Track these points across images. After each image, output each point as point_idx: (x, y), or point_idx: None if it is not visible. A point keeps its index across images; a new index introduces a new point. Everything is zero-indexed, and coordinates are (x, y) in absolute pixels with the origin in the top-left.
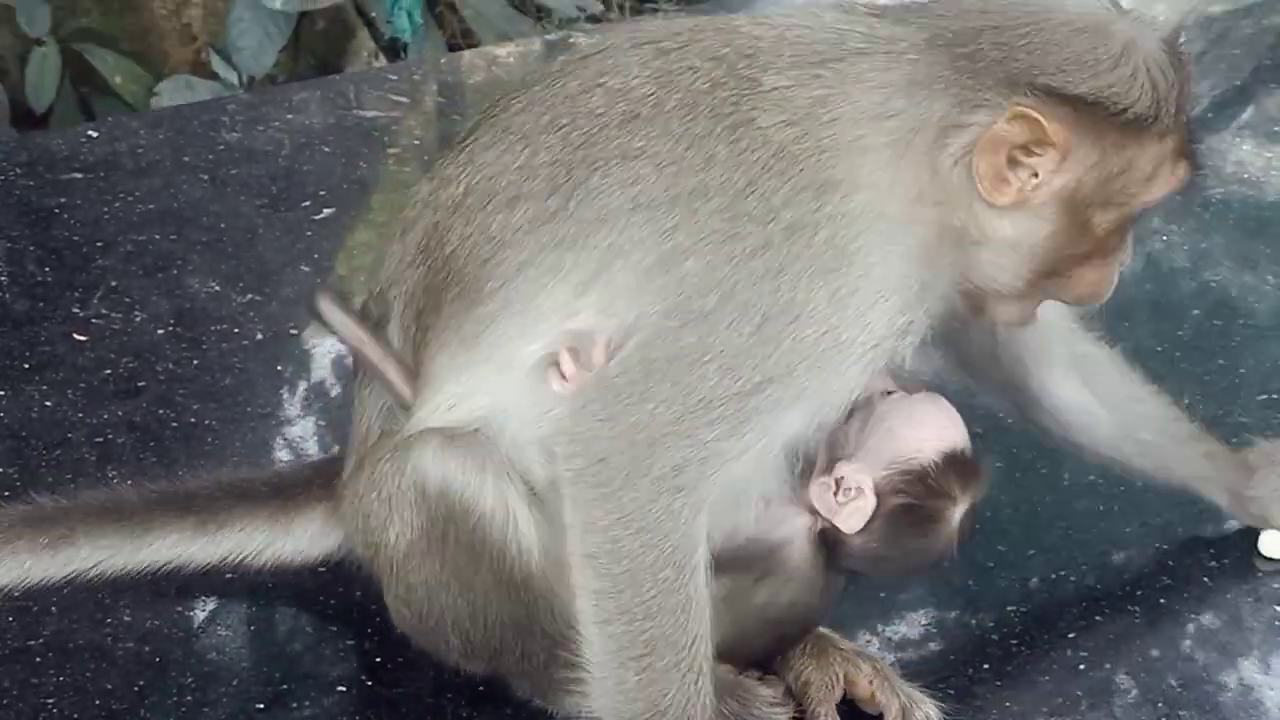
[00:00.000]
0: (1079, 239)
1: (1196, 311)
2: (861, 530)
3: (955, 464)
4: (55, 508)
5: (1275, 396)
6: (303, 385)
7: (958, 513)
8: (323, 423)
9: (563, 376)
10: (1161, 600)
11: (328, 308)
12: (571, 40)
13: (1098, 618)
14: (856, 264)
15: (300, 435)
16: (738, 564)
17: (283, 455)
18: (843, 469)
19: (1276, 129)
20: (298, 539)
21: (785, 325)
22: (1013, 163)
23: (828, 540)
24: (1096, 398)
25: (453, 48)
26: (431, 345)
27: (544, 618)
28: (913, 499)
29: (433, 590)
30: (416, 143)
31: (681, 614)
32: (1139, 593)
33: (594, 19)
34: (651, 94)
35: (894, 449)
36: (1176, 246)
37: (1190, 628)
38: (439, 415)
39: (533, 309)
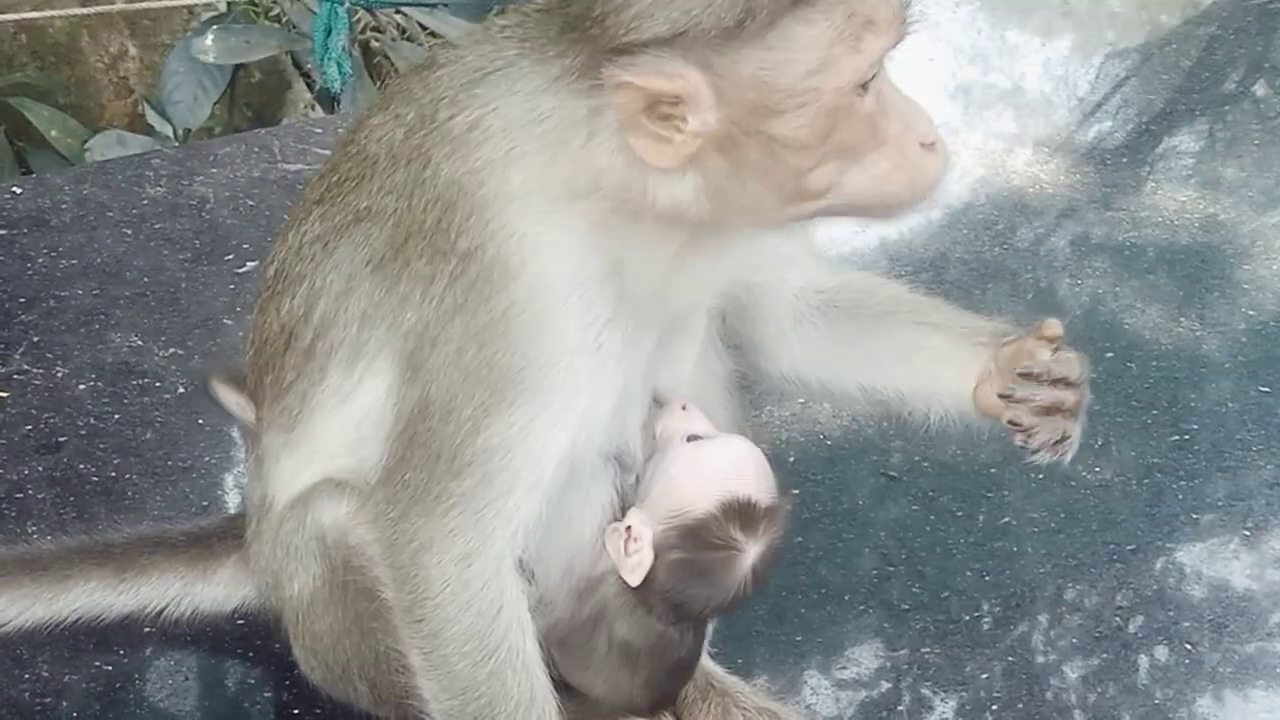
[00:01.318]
0: (789, 151)
1: (1110, 354)
2: (653, 580)
3: (737, 514)
4: None
5: (1187, 437)
6: (224, 439)
7: (746, 559)
8: (244, 476)
9: None
10: (1074, 640)
11: (222, 389)
12: None
13: (1010, 659)
14: (524, 274)
15: (221, 489)
16: (572, 608)
17: (204, 509)
18: (631, 517)
19: (1188, 173)
20: (214, 587)
21: (479, 353)
22: (661, 119)
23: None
24: (834, 330)
25: None
26: (266, 423)
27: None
28: (688, 554)
29: (338, 637)
30: None
31: (498, 680)
32: (1052, 633)
33: None
34: (375, 152)
35: (673, 500)
36: (1090, 289)
37: (1098, 664)
38: (298, 479)
39: (330, 386)
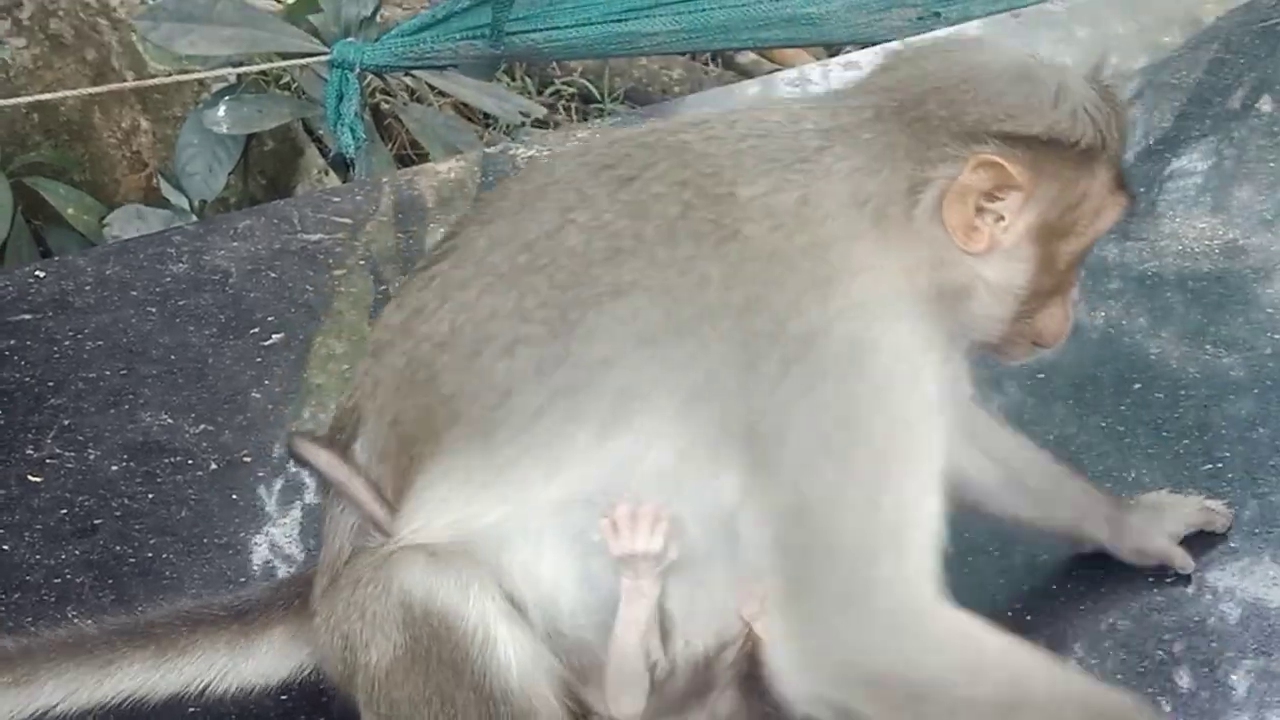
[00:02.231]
0: (1048, 274)
1: (1138, 385)
2: None
3: None
4: (16, 646)
5: (1220, 465)
6: (258, 514)
7: None
8: (279, 549)
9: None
10: (1119, 676)
11: (304, 446)
12: (511, 153)
13: None
14: (883, 345)
15: (257, 564)
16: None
17: (242, 585)
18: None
19: (1203, 197)
20: (259, 661)
21: (851, 434)
22: (979, 210)
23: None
24: (983, 453)
25: (402, 159)
26: (428, 471)
27: None
28: None
29: (416, 707)
30: (361, 263)
31: (1015, 686)
32: (1094, 668)
33: (540, 124)
34: (627, 226)
35: None
36: (1115, 321)
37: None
38: (434, 531)
39: (552, 457)
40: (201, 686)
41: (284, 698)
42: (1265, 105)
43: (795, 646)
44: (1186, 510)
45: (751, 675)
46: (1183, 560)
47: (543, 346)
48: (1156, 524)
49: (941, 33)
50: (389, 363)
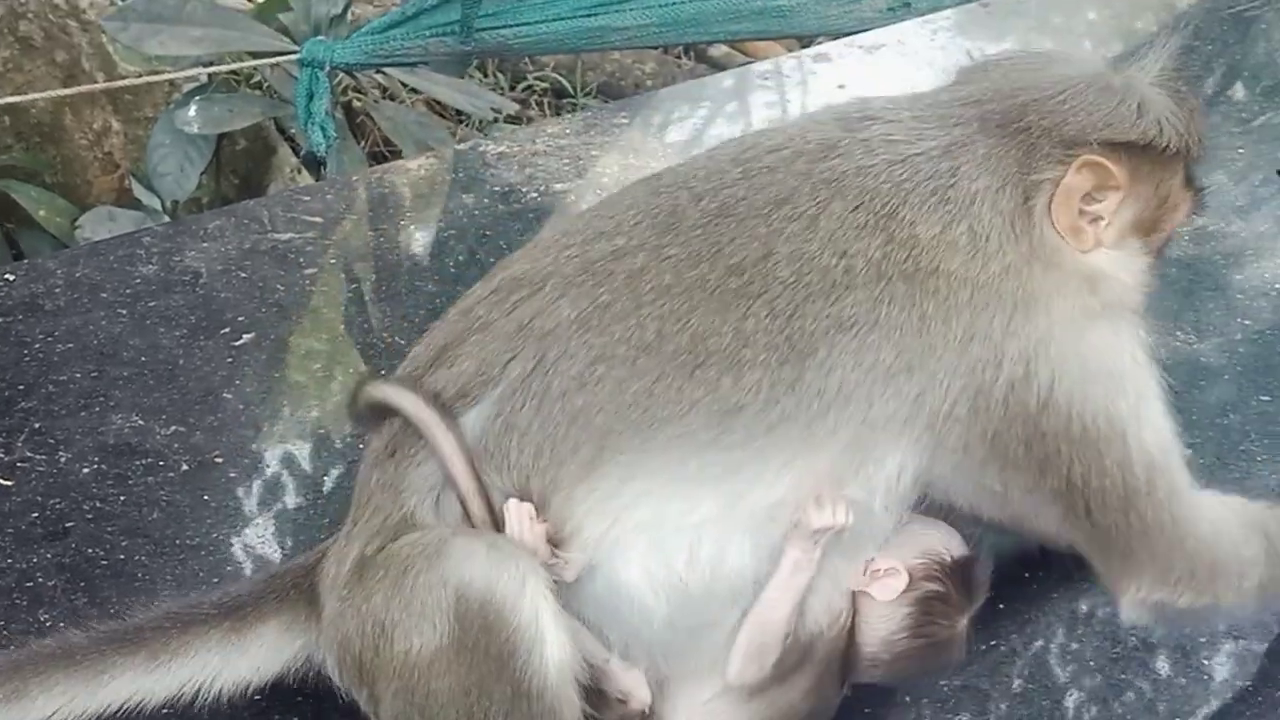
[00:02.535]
0: (1152, 240)
1: None
2: (892, 619)
3: (971, 569)
4: (4, 660)
5: (1190, 451)
6: (229, 514)
7: (967, 617)
8: (251, 550)
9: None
10: (1091, 661)
11: (381, 390)
12: (482, 149)
13: (1030, 685)
14: (1097, 343)
15: (230, 564)
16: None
17: (214, 586)
18: (877, 558)
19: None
20: (254, 656)
21: (1095, 423)
22: (1081, 212)
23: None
24: None
25: (375, 156)
26: (617, 463)
27: None
28: (944, 586)
29: (453, 697)
30: (332, 261)
31: None
32: (1068, 654)
33: (513, 119)
34: (836, 264)
35: (923, 544)
36: None
37: (1116, 684)
38: (624, 523)
39: (775, 470)
40: (196, 688)
41: (257, 698)
42: (1237, 93)
43: (1122, 585)
44: None
45: (843, 653)
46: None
47: (773, 371)
48: None
49: (1011, 50)
50: (564, 352)
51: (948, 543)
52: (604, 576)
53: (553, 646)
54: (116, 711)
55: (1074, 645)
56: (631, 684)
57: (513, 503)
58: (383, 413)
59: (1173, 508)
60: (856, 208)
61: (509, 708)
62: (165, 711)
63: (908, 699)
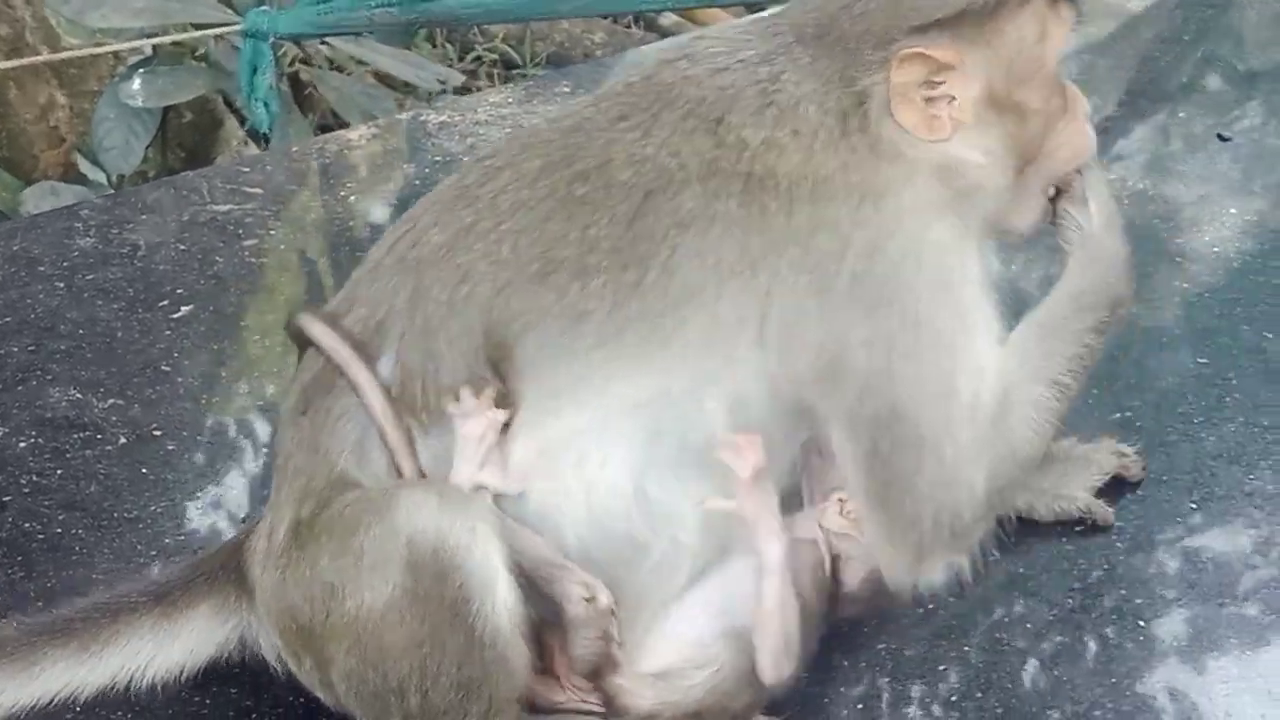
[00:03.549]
0: (1026, 119)
1: None
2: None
3: None
4: None
5: (1129, 414)
6: (168, 487)
7: None
8: (190, 523)
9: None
10: (1028, 625)
11: (311, 323)
12: (423, 119)
13: (966, 647)
14: (937, 243)
15: (167, 538)
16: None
17: (152, 559)
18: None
19: (1115, 149)
20: (186, 641)
21: (921, 330)
22: (928, 100)
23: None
24: None
25: (324, 128)
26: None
27: (494, 681)
28: None
29: (406, 649)
30: (272, 233)
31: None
32: (1006, 619)
33: (461, 90)
34: (670, 161)
35: None
36: (1026, 274)
37: (1054, 647)
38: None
39: (630, 372)
40: (129, 676)
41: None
42: (1178, 57)
43: (900, 544)
44: (1100, 458)
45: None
46: (1103, 514)
47: (617, 274)
48: (1072, 478)
49: None
50: (435, 278)
51: None
52: (520, 499)
53: (504, 592)
54: (49, 703)
55: (1003, 608)
56: (592, 579)
57: (466, 391)
58: (308, 344)
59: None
60: (686, 115)
61: (462, 658)
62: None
63: (863, 666)
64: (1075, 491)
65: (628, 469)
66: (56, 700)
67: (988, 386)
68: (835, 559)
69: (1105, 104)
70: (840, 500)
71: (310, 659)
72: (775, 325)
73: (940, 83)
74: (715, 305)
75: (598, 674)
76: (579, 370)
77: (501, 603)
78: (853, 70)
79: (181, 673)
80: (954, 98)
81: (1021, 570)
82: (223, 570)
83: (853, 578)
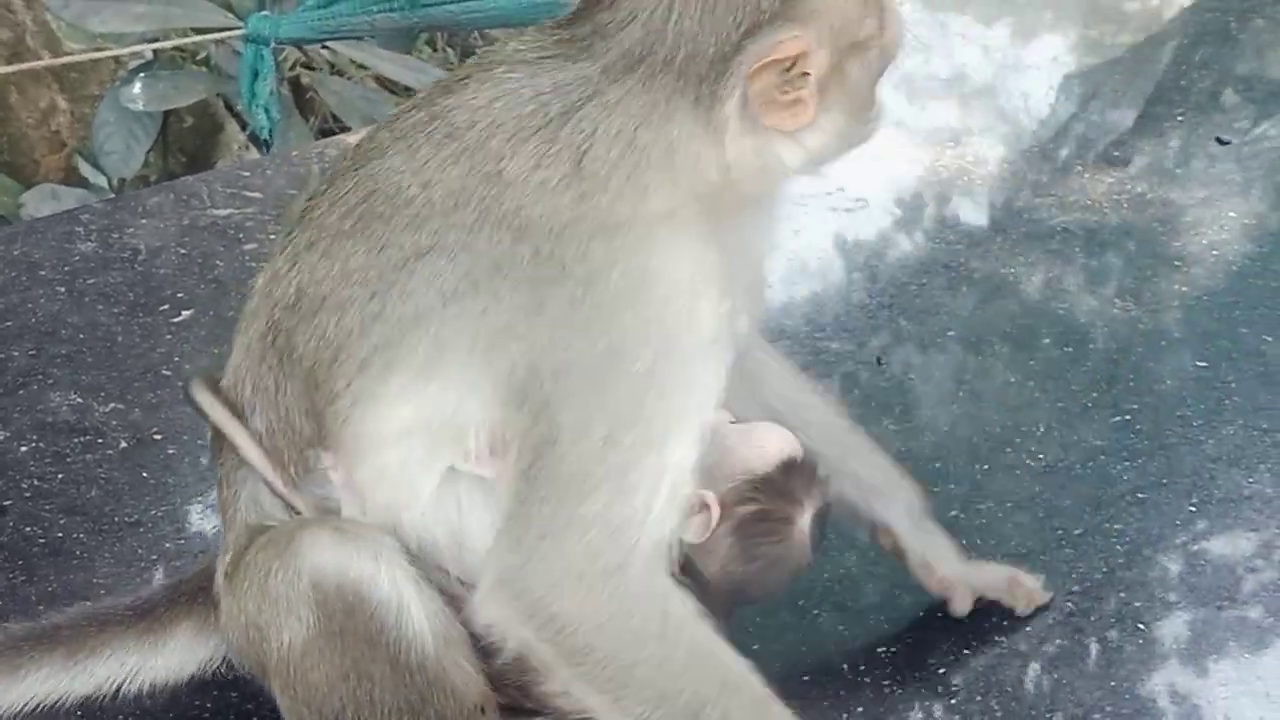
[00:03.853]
0: (866, 77)
1: (1047, 340)
2: (717, 552)
3: (796, 470)
4: None
5: (1128, 418)
6: (169, 491)
7: (806, 518)
8: (191, 527)
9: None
10: (1027, 628)
11: (202, 393)
12: None
13: (966, 651)
14: (661, 282)
15: (168, 542)
16: None
17: (153, 563)
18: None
19: (1117, 152)
20: (169, 656)
21: (615, 368)
22: (785, 93)
23: (690, 573)
24: (759, 405)
25: (325, 132)
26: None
27: (437, 702)
28: (760, 504)
29: (333, 685)
30: (272, 237)
31: (693, 673)
32: (1005, 623)
33: None
34: (419, 195)
35: (735, 463)
36: (1024, 276)
37: (1053, 651)
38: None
39: (381, 410)
40: (114, 686)
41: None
42: (1177, 61)
43: (494, 570)
44: (994, 572)
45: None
46: (961, 604)
47: (363, 306)
48: (960, 559)
49: None
50: (254, 330)
51: (764, 450)
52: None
53: (418, 615)
54: (34, 709)
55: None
56: None
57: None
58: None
59: (591, 515)
60: (447, 141)
61: (392, 685)
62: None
63: (862, 669)
64: (955, 565)
65: (429, 502)
66: (43, 705)
67: (655, 473)
68: (685, 556)
69: (1124, 115)
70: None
71: (271, 691)
72: (484, 345)
73: (794, 73)
74: (439, 330)
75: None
76: (350, 410)
77: (419, 626)
78: (682, 102)
79: (167, 685)
80: (807, 73)
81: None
82: (201, 593)
83: (709, 573)
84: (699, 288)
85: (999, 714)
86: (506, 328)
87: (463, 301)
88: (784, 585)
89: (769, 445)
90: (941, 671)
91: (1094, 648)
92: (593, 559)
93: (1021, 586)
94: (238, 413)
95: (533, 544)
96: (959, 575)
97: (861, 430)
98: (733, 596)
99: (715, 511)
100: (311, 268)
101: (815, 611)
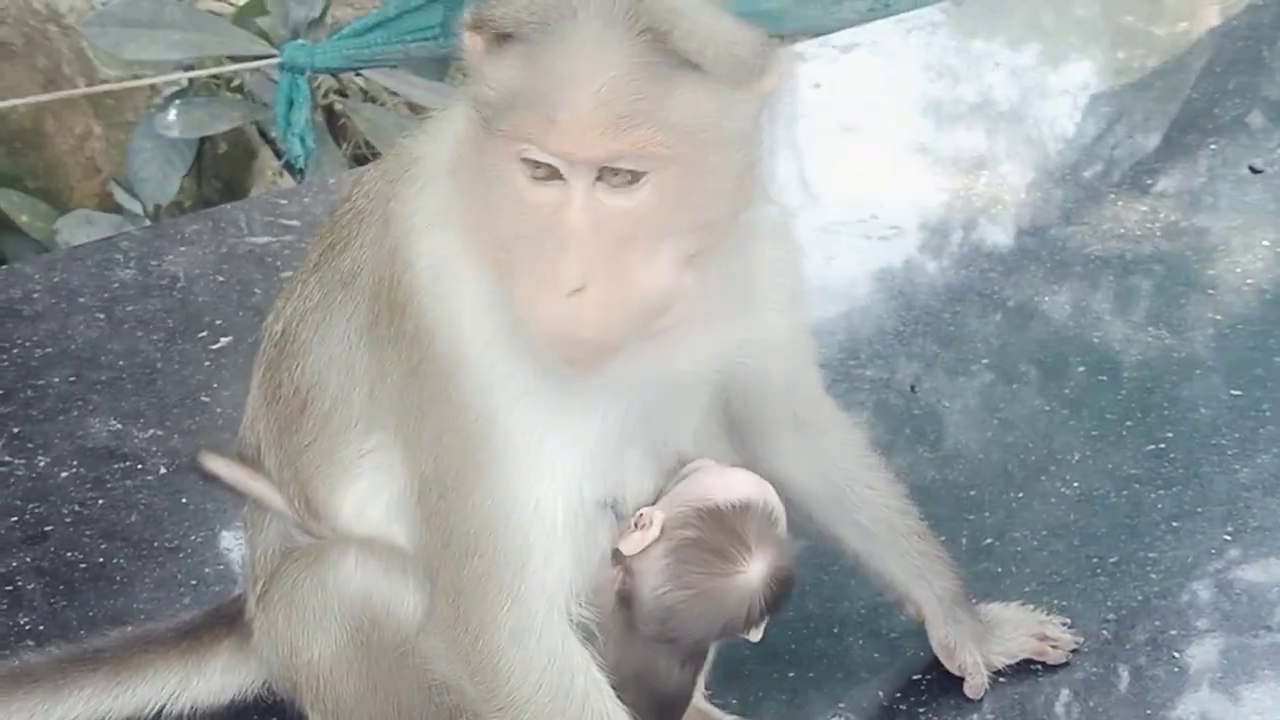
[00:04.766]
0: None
1: (1081, 368)
2: (650, 572)
3: (752, 514)
4: None
5: (1163, 446)
6: (207, 516)
7: (752, 566)
8: (230, 555)
9: None
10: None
11: (212, 462)
12: None
13: (1002, 679)
14: (440, 335)
15: (208, 567)
16: None
17: (193, 588)
18: (644, 509)
19: (1149, 179)
20: (209, 679)
21: (438, 418)
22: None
23: (627, 599)
24: (818, 468)
25: (358, 159)
26: (308, 472)
27: (465, 717)
28: (699, 532)
29: (362, 698)
30: None
31: None
32: None
33: None
34: (364, 207)
35: (696, 491)
36: (1058, 305)
37: (1088, 678)
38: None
39: (339, 451)
40: (155, 709)
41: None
42: (1209, 89)
43: (435, 622)
44: (1019, 639)
45: (631, 617)
46: (975, 689)
47: (319, 350)
48: (981, 641)
49: None
50: (261, 369)
51: (729, 486)
52: None
53: None
54: None
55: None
56: None
57: None
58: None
59: (475, 577)
60: (363, 196)
61: (421, 700)
62: None
63: (897, 696)
64: (971, 652)
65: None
66: None
67: (519, 530)
68: (628, 581)
69: (1153, 140)
70: (635, 521)
71: (304, 709)
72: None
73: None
74: (343, 382)
75: None
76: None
77: None
78: None
79: (211, 706)
80: None
81: (1056, 600)
82: (241, 615)
83: (641, 596)
84: (482, 343)
85: None
86: (383, 363)
87: (371, 334)
88: (712, 631)
89: (736, 484)
90: (978, 699)
91: (1127, 675)
92: (496, 620)
93: (1049, 640)
94: (254, 453)
95: (446, 593)
96: (978, 662)
97: (914, 511)
98: (661, 630)
99: (655, 530)
100: (290, 308)
101: (850, 638)
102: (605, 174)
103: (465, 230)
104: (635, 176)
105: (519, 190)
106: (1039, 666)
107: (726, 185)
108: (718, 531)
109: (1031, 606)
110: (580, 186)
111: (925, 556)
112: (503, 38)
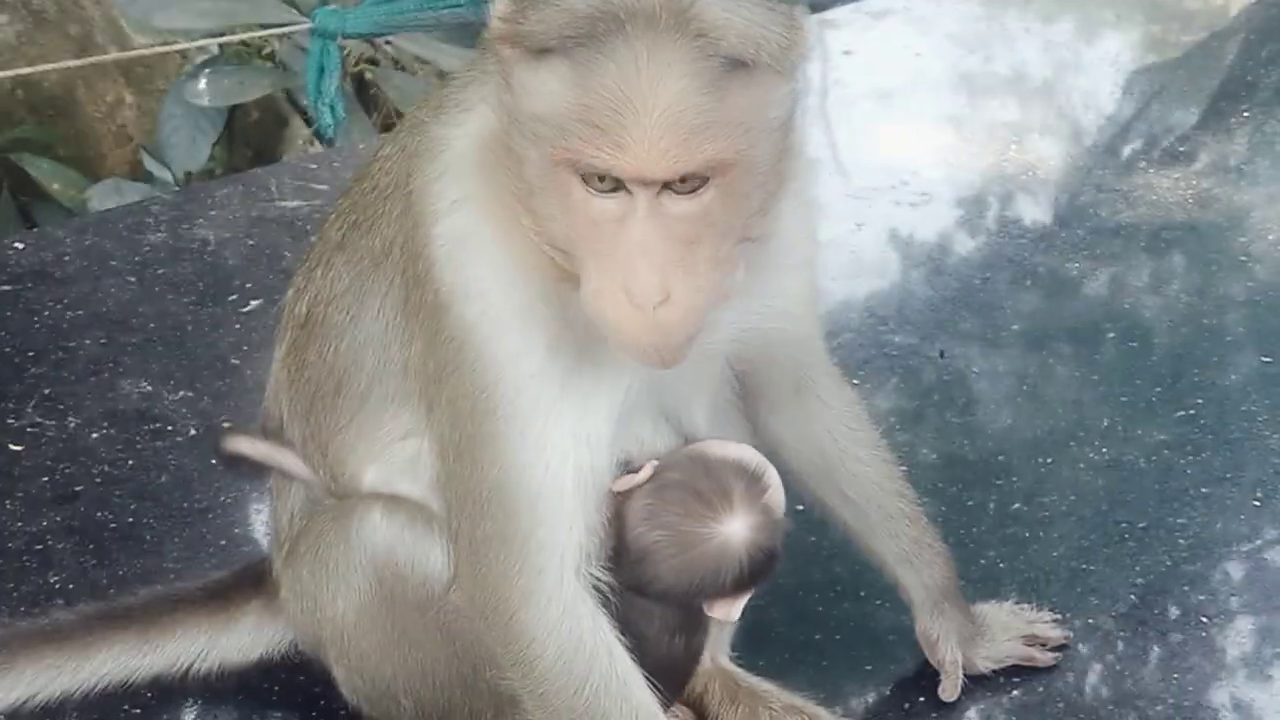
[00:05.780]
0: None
1: (1112, 334)
2: (632, 513)
3: (742, 472)
4: None
5: (1192, 413)
6: (236, 479)
7: (731, 523)
8: (258, 514)
9: None
10: (1090, 620)
11: (235, 443)
12: None
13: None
14: (463, 306)
15: (237, 528)
16: None
17: (222, 548)
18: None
19: (1182, 149)
20: (238, 637)
21: (458, 384)
22: None
23: (614, 549)
24: (813, 437)
25: (387, 127)
26: (344, 452)
27: (488, 673)
28: (683, 475)
29: (385, 653)
30: None
31: (597, 708)
32: (1068, 615)
33: None
34: (387, 185)
35: (695, 448)
36: (1089, 272)
37: (1116, 644)
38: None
39: (375, 430)
40: (184, 666)
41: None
42: (1242, 57)
43: (459, 582)
44: (1006, 645)
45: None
46: (950, 691)
47: (352, 329)
48: (967, 641)
49: None
50: (281, 350)
51: (726, 447)
52: None
53: None
54: (105, 686)
55: (1069, 602)
56: None
57: None
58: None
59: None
60: (385, 174)
61: (444, 655)
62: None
63: (926, 664)
64: (954, 649)
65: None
66: (114, 683)
67: (532, 495)
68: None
69: (1189, 113)
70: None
71: (329, 666)
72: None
73: None
74: (381, 359)
75: None
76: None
77: None
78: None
79: (234, 665)
80: None
81: (1084, 567)
82: (269, 575)
83: (625, 537)
84: (504, 318)
85: (1061, 708)
86: (412, 333)
87: (388, 334)
88: (684, 584)
89: (735, 448)
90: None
91: (1155, 644)
92: (509, 580)
93: (1037, 641)
94: (277, 426)
95: (466, 554)
96: (957, 661)
97: (910, 494)
98: (636, 578)
99: (646, 472)
100: (315, 285)
101: (877, 602)
102: (672, 183)
103: (491, 217)
104: (701, 181)
105: (576, 201)
106: (1066, 631)
107: (778, 167)
108: (702, 477)
109: (1022, 606)
110: (645, 198)
111: (916, 543)
112: (543, 52)
